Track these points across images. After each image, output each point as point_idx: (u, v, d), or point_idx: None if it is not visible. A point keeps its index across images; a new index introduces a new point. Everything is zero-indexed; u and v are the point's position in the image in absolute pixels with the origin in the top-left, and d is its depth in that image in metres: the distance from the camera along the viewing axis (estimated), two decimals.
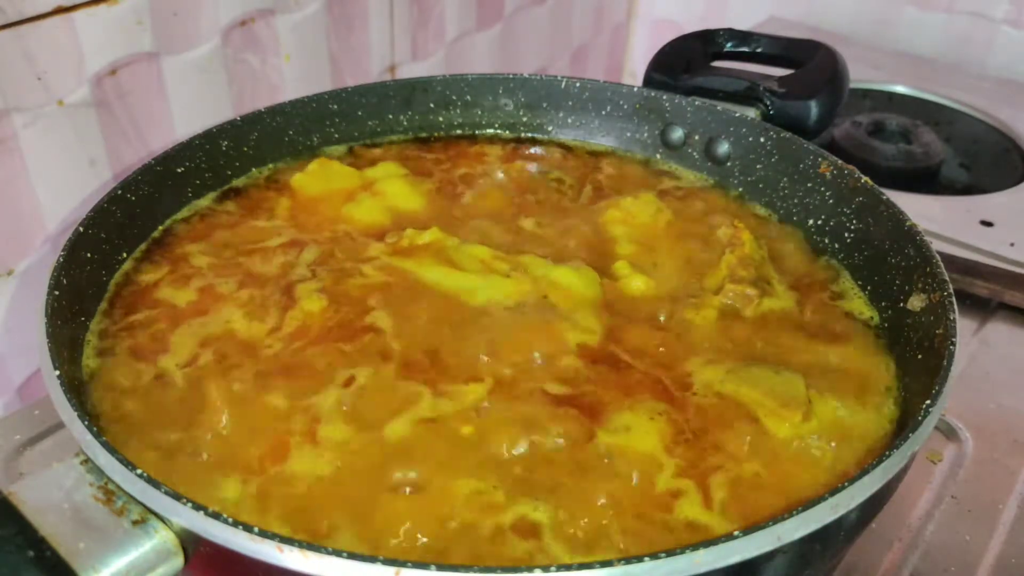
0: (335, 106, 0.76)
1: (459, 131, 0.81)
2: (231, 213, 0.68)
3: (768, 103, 0.76)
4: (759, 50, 0.86)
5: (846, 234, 0.66)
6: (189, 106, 0.81)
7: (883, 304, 0.61)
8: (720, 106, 0.75)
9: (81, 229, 0.56)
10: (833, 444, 0.51)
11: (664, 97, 0.77)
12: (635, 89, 0.79)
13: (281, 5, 0.85)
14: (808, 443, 0.51)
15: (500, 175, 0.76)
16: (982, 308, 0.80)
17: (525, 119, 0.81)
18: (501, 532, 0.45)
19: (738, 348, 0.58)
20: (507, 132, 0.81)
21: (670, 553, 0.37)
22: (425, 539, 0.44)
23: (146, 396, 0.52)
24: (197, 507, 0.39)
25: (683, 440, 0.51)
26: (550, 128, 0.81)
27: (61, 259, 0.54)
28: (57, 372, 0.46)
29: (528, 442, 0.50)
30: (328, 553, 0.37)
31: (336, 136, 0.77)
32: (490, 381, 0.54)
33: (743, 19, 1.35)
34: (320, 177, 0.72)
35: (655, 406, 0.52)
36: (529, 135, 0.81)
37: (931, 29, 1.31)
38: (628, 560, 0.37)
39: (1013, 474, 0.64)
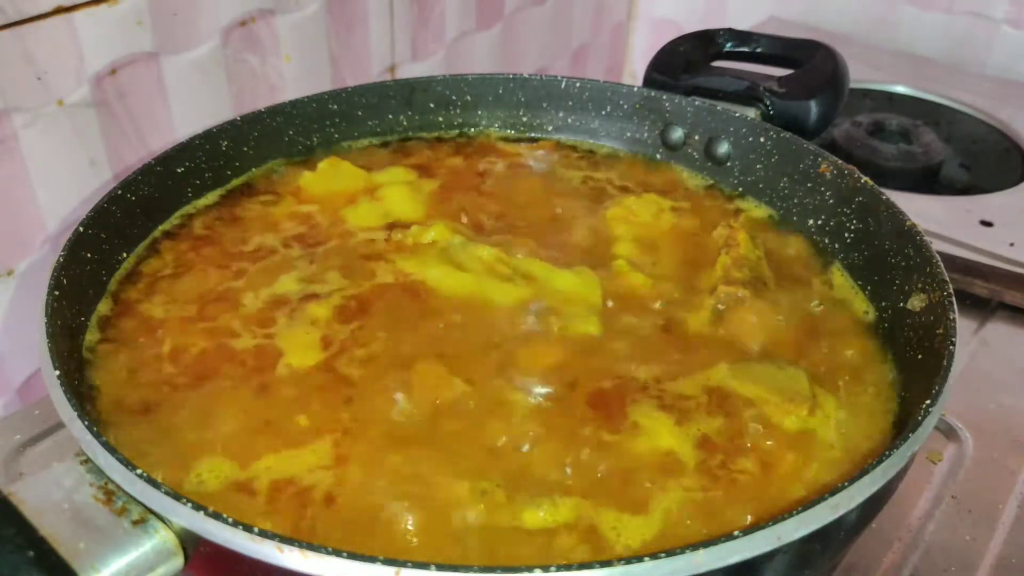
0: (335, 106, 0.76)
1: (459, 131, 0.81)
2: (231, 213, 0.68)
3: (768, 103, 0.76)
4: (759, 50, 0.86)
5: (846, 234, 0.66)
6: (189, 106, 0.81)
7: (883, 304, 0.61)
8: (720, 106, 0.75)
9: (81, 229, 0.56)
10: (835, 441, 0.51)
11: (664, 97, 0.77)
12: (635, 89, 0.79)
13: (281, 5, 0.85)
14: (812, 439, 0.51)
15: (500, 175, 0.76)
16: (982, 308, 0.80)
17: (525, 119, 0.81)
18: (503, 531, 0.45)
19: (737, 347, 0.58)
20: (507, 132, 0.81)
21: (670, 553, 0.37)
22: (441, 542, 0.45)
23: (147, 396, 0.52)
24: (197, 507, 0.39)
25: (689, 438, 0.51)
26: (550, 128, 0.81)
27: (61, 259, 0.54)
28: (57, 372, 0.46)
29: (531, 442, 0.50)
30: (328, 553, 0.37)
31: (336, 136, 0.77)
32: (492, 381, 0.54)
33: (743, 19, 1.35)
34: (328, 177, 0.72)
35: (658, 404, 0.53)
36: (529, 135, 0.81)
37: (931, 29, 1.31)
38: (628, 560, 0.37)
39: (1013, 474, 0.64)
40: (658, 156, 0.79)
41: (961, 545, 0.59)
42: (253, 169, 0.73)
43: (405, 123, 0.80)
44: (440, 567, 0.36)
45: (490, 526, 0.45)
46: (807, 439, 0.51)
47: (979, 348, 0.76)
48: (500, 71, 1.00)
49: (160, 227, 0.65)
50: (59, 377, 0.46)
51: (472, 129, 0.81)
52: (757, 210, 0.72)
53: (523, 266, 0.62)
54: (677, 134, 0.77)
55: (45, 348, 0.47)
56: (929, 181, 1.03)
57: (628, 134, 0.80)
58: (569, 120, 0.81)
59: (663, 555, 0.37)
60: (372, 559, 0.36)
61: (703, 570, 0.37)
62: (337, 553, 0.37)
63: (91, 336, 0.56)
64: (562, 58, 1.28)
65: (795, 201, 0.70)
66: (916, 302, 0.57)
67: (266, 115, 0.73)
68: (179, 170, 0.67)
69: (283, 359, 0.55)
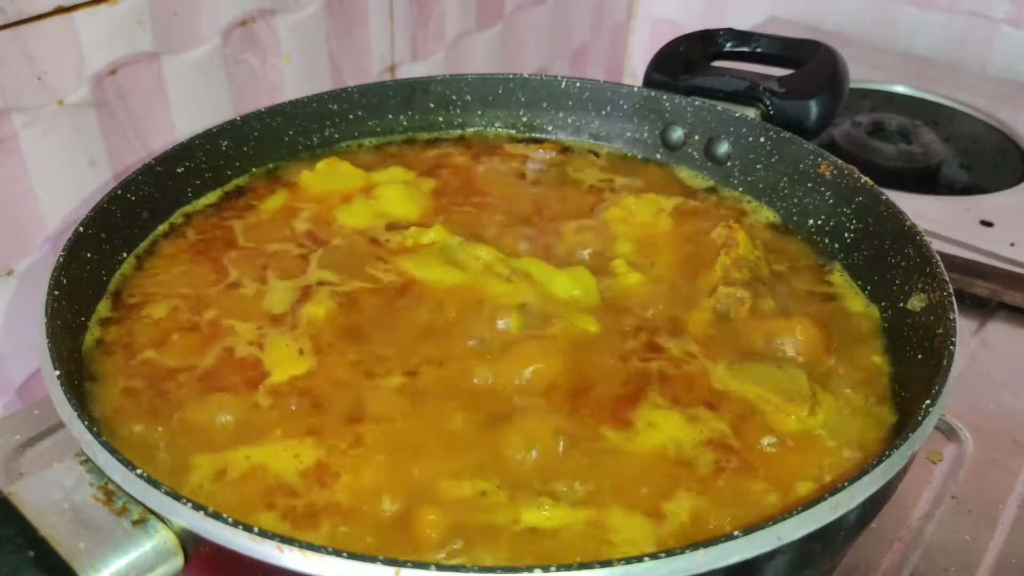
0: (335, 106, 0.76)
1: (459, 131, 0.81)
2: (231, 213, 0.68)
3: (768, 103, 0.76)
4: (759, 50, 0.86)
5: (846, 234, 0.66)
6: (189, 106, 0.81)
7: (883, 304, 0.61)
8: (720, 106, 0.75)
9: (81, 229, 0.56)
10: (836, 440, 0.51)
11: (664, 97, 0.77)
12: (635, 89, 0.79)
13: (281, 5, 0.85)
14: (812, 438, 0.51)
15: (500, 175, 0.76)
16: (982, 308, 0.80)
17: (525, 119, 0.81)
18: (502, 531, 0.45)
19: (736, 347, 0.58)
20: (507, 132, 0.81)
21: (670, 553, 0.37)
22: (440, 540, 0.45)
23: (147, 395, 0.52)
24: (197, 507, 0.39)
25: (689, 438, 0.51)
26: (550, 128, 0.81)
27: (61, 259, 0.54)
28: (57, 372, 0.46)
29: (531, 441, 0.50)
30: (328, 553, 0.37)
31: (336, 136, 0.77)
32: (492, 382, 0.54)
33: (743, 19, 1.35)
34: (327, 177, 0.72)
35: (658, 404, 0.53)
36: (529, 135, 0.81)
37: (931, 29, 1.31)
38: (628, 560, 0.37)
39: (1013, 474, 0.64)
40: (658, 156, 0.79)
41: (961, 545, 0.59)
42: (253, 169, 0.73)
43: (405, 123, 0.80)
44: (440, 567, 0.36)
45: (490, 526, 0.45)
46: (807, 439, 0.52)
47: (979, 348, 0.76)
48: (500, 71, 1.00)
49: (160, 227, 0.65)
50: (59, 377, 0.46)
51: (472, 129, 0.81)
52: (757, 210, 0.72)
53: (522, 266, 0.62)
54: (677, 134, 0.77)
55: (45, 348, 0.47)
56: (929, 181, 1.03)
57: (628, 134, 0.80)
58: (569, 120, 0.81)
59: (663, 555, 0.37)
60: (372, 559, 0.36)
61: (703, 570, 0.37)
62: (337, 553, 0.37)
63: (91, 336, 0.56)
64: (562, 58, 1.28)
65: (795, 201, 0.70)
66: (916, 302, 0.57)
67: (266, 115, 0.73)
68: (179, 170, 0.67)
69: (282, 360, 0.55)
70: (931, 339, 0.54)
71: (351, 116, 0.77)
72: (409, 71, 1.02)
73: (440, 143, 0.80)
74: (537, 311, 0.59)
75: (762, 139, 0.73)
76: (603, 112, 0.80)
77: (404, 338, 0.57)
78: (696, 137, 0.76)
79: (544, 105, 0.81)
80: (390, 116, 0.79)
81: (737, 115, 0.74)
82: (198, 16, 0.79)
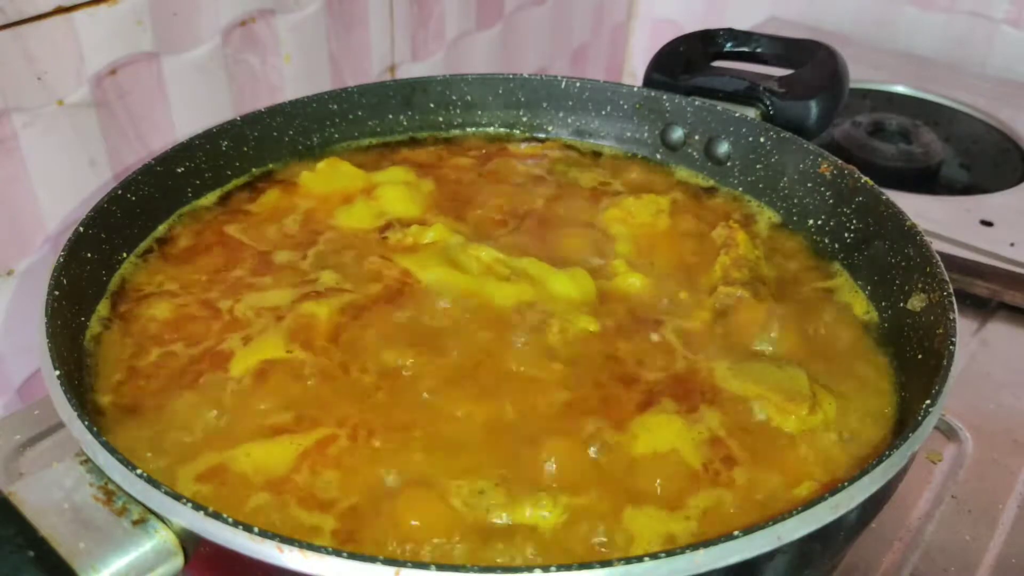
0: (335, 106, 0.76)
1: (459, 131, 0.81)
2: (231, 214, 0.68)
3: (768, 103, 0.76)
4: (759, 50, 0.86)
5: (846, 234, 0.66)
6: (189, 106, 0.81)
7: (883, 304, 0.61)
8: (720, 106, 0.75)
9: (81, 229, 0.56)
10: (835, 440, 0.51)
11: (664, 97, 0.77)
12: (635, 89, 0.79)
13: (281, 5, 0.85)
14: (812, 438, 0.51)
15: (500, 175, 0.76)
16: (982, 308, 0.80)
17: (525, 119, 0.81)
18: (500, 530, 0.45)
19: (736, 347, 0.58)
20: (507, 132, 0.81)
21: (670, 553, 0.37)
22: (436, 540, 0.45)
23: (147, 394, 0.52)
24: (197, 507, 0.39)
25: (690, 438, 0.51)
26: (550, 128, 0.81)
27: (61, 259, 0.54)
28: (57, 372, 0.46)
29: (529, 441, 0.50)
30: (328, 553, 0.37)
31: (336, 136, 0.77)
32: (492, 384, 0.54)
33: (743, 19, 1.35)
34: (327, 177, 0.72)
35: (657, 404, 0.53)
36: (529, 135, 0.81)
37: (931, 29, 1.31)
38: (628, 560, 0.37)
39: (1013, 474, 0.64)
40: (658, 156, 0.79)
41: (961, 545, 0.59)
42: (253, 169, 0.73)
43: (405, 123, 0.80)
44: (440, 567, 0.36)
45: (487, 525, 0.45)
46: (807, 438, 0.52)
47: (979, 348, 0.76)
48: (500, 71, 1.00)
49: (160, 227, 0.65)
50: (59, 377, 0.46)
51: (472, 129, 0.81)
52: (757, 210, 0.72)
53: (521, 266, 0.62)
54: (677, 134, 0.77)
55: (45, 348, 0.47)
56: (929, 181, 1.03)
57: (628, 134, 0.80)
58: (569, 120, 0.81)
59: (663, 555, 0.37)
60: (372, 559, 0.36)
61: (703, 570, 0.37)
62: (337, 553, 0.37)
63: (91, 336, 0.56)
64: (562, 58, 1.28)
65: (795, 201, 0.70)
66: (916, 302, 0.57)
67: (266, 115, 0.73)
68: (179, 170, 0.67)
69: (281, 359, 0.55)
70: (931, 339, 0.54)
71: (351, 116, 0.77)
72: (409, 71, 1.02)
73: (440, 143, 0.80)
74: (536, 311, 0.59)
75: (762, 139, 0.73)
76: (603, 112, 0.80)
77: (405, 337, 0.57)
78: (696, 137, 0.77)
79: (544, 105, 0.81)
80: (390, 116, 0.79)
81: (737, 115, 0.74)
82: (198, 16, 0.79)
